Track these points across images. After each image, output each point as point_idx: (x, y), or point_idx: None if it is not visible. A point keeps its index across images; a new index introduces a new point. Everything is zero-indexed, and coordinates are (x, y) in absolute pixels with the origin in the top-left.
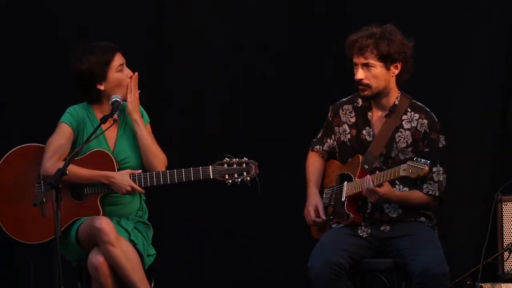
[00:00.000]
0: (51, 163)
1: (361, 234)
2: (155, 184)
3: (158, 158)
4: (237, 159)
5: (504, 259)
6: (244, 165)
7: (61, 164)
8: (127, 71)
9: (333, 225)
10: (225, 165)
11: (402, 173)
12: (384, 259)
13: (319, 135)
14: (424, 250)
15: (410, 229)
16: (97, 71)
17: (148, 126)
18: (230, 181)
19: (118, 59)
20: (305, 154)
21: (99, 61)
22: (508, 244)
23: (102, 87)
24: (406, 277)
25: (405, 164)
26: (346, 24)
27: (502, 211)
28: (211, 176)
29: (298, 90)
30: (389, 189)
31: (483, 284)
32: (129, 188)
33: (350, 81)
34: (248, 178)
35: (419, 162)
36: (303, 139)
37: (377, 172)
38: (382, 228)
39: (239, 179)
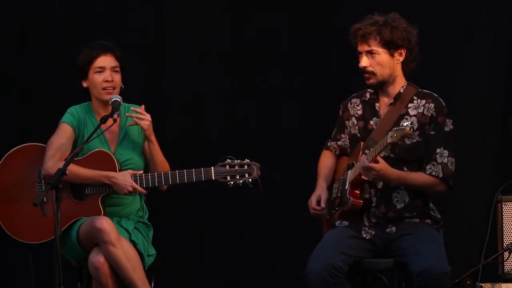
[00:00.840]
0: (53, 162)
1: (364, 235)
2: (157, 185)
3: (166, 167)
4: (239, 160)
5: (504, 259)
6: (246, 166)
7: (62, 164)
8: (105, 75)
9: (336, 223)
10: (227, 166)
11: (389, 140)
12: (385, 259)
13: (333, 133)
14: (426, 249)
15: (414, 229)
16: (81, 68)
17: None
18: (232, 182)
19: (101, 61)
20: (307, 155)
21: (83, 59)
22: (508, 244)
23: (85, 84)
24: (407, 277)
25: (390, 132)
26: (346, 23)
27: (502, 211)
28: (213, 177)
29: (298, 90)
30: (385, 166)
31: (483, 284)
32: (130, 189)
33: (352, 82)
34: (250, 180)
35: (402, 125)
36: (305, 140)
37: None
38: (388, 230)
39: (241, 181)
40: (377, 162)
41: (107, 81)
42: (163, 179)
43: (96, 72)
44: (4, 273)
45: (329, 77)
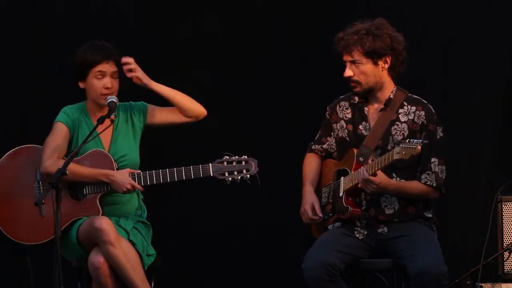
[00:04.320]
0: (51, 162)
1: (357, 235)
2: (155, 182)
3: (191, 101)
4: (236, 156)
5: (504, 259)
6: (243, 162)
7: (60, 163)
8: (106, 81)
9: (329, 227)
10: (225, 162)
11: (396, 156)
12: (384, 259)
13: (317, 136)
14: (422, 251)
15: (408, 229)
16: (80, 69)
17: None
18: (230, 178)
19: (102, 67)
20: (304, 151)
21: (84, 60)
22: (508, 244)
23: (82, 85)
24: (406, 277)
25: (398, 147)
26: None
27: (502, 211)
28: (211, 173)
29: (297, 90)
30: (384, 178)
31: (483, 284)
32: (129, 186)
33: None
34: (248, 176)
35: (411, 143)
36: (302, 138)
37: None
38: (380, 230)
39: (239, 177)
40: (375, 174)
41: (107, 88)
42: (161, 176)
43: (96, 77)
44: (3, 275)
45: (328, 77)
